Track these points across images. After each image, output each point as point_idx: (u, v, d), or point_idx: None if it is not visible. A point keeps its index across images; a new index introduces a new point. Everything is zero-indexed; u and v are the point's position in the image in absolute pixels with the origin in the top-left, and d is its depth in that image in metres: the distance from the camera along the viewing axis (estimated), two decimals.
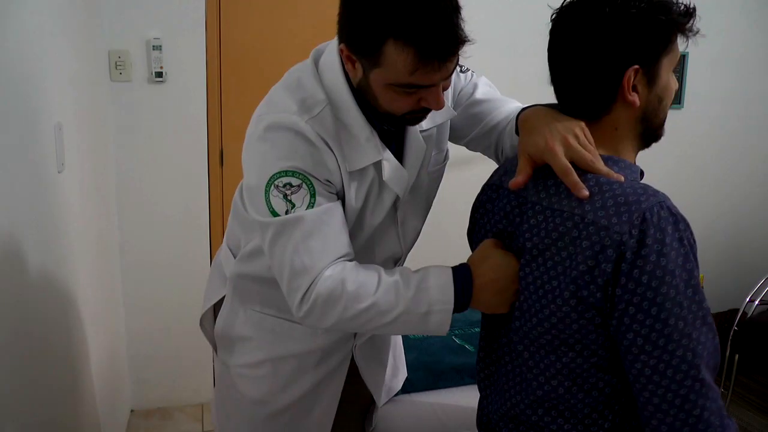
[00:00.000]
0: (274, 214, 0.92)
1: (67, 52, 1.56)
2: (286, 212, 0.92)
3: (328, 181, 0.95)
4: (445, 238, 1.94)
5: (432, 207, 1.16)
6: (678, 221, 0.76)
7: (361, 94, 0.94)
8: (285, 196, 0.91)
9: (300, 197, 0.92)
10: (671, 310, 0.74)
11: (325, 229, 0.93)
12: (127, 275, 2.19)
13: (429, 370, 1.44)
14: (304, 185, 0.92)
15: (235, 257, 1.15)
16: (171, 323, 2.25)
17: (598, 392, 0.84)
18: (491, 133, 1.09)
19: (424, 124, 1.05)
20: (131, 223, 2.17)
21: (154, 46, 2.05)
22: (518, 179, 0.86)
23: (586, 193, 0.79)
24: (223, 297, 1.19)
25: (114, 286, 2.12)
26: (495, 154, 1.12)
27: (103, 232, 1.96)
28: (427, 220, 1.17)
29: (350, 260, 0.95)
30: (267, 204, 0.92)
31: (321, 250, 0.92)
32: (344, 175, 0.96)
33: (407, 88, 0.87)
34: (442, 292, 0.90)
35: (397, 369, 1.34)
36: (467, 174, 1.68)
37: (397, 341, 1.35)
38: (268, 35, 2.20)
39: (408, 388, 1.38)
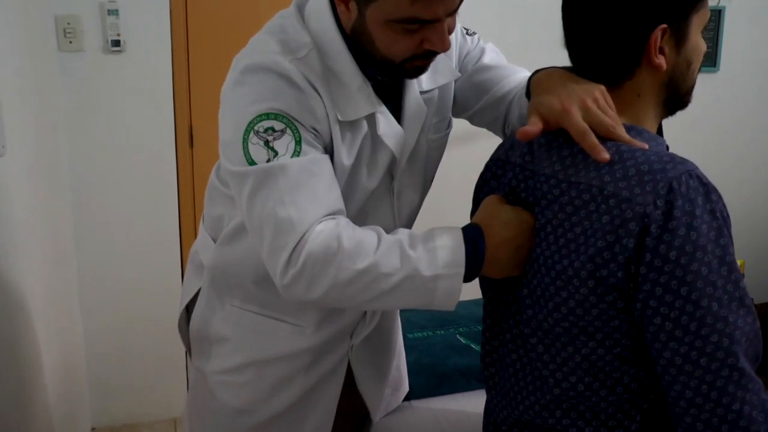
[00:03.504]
0: (253, 163, 0.90)
1: (5, 18, 1.54)
2: (268, 161, 0.90)
3: (315, 129, 0.94)
4: (445, 221, 1.92)
5: (432, 187, 1.17)
6: (709, 191, 0.76)
7: (355, 41, 0.95)
8: (266, 142, 0.90)
9: (283, 144, 0.90)
10: (703, 290, 0.74)
11: (313, 180, 0.91)
12: (84, 273, 2.19)
13: (431, 373, 1.45)
14: (288, 130, 0.90)
15: (215, 242, 1.14)
16: (137, 327, 2.24)
17: (623, 388, 0.84)
18: (499, 104, 1.10)
19: (425, 84, 1.05)
20: (87, 214, 2.16)
21: (109, 11, 2.03)
22: (529, 129, 0.85)
23: (607, 156, 0.80)
24: (199, 291, 1.18)
25: (69, 286, 2.11)
26: (502, 128, 1.12)
27: (55, 224, 1.95)
28: (426, 201, 1.17)
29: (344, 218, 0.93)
30: (245, 153, 0.91)
31: (310, 203, 0.90)
32: (333, 124, 0.95)
33: (408, 24, 0.88)
34: (452, 252, 0.88)
35: (399, 382, 1.34)
36: (470, 151, 1.68)
37: (401, 350, 1.35)
38: None
39: (408, 394, 1.38)
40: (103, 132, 2.12)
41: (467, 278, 0.90)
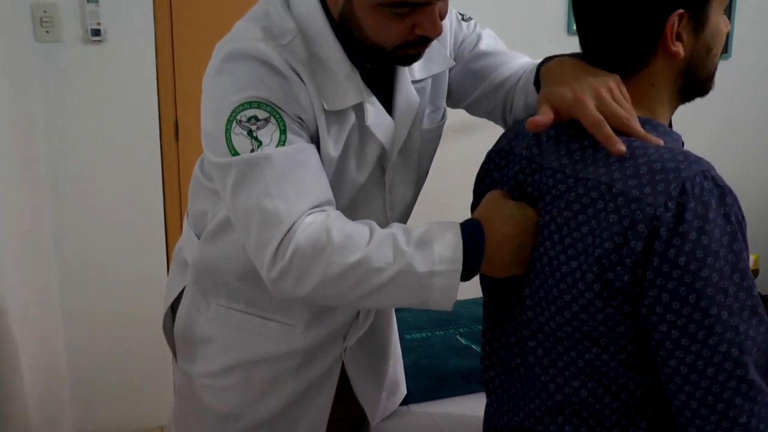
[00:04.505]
0: (236, 154, 0.90)
1: None
2: (251, 151, 0.90)
3: (300, 118, 0.94)
4: (443, 216, 1.90)
5: (429, 180, 1.16)
6: (725, 194, 0.76)
7: (344, 28, 0.95)
8: (250, 132, 0.90)
9: (268, 133, 0.90)
10: (713, 298, 0.73)
11: (300, 171, 0.91)
12: (64, 272, 2.17)
13: (430, 375, 1.44)
14: (272, 119, 0.90)
15: (199, 239, 1.14)
16: (121, 328, 2.23)
17: (628, 394, 0.83)
18: (498, 91, 1.09)
19: (417, 73, 1.05)
20: (68, 214, 2.14)
21: None
22: (539, 119, 0.84)
23: (623, 148, 0.78)
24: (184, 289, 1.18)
25: (48, 286, 2.10)
26: (502, 117, 1.12)
27: (34, 226, 1.95)
28: (423, 194, 1.16)
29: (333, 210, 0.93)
30: (228, 144, 0.91)
31: (297, 194, 0.89)
32: (319, 114, 0.95)
33: (398, 8, 0.88)
34: (450, 248, 0.88)
35: (395, 386, 1.34)
36: (470, 141, 1.69)
37: (397, 352, 1.34)
38: None
39: (406, 398, 1.38)
40: (83, 126, 2.11)
41: (466, 276, 0.89)
